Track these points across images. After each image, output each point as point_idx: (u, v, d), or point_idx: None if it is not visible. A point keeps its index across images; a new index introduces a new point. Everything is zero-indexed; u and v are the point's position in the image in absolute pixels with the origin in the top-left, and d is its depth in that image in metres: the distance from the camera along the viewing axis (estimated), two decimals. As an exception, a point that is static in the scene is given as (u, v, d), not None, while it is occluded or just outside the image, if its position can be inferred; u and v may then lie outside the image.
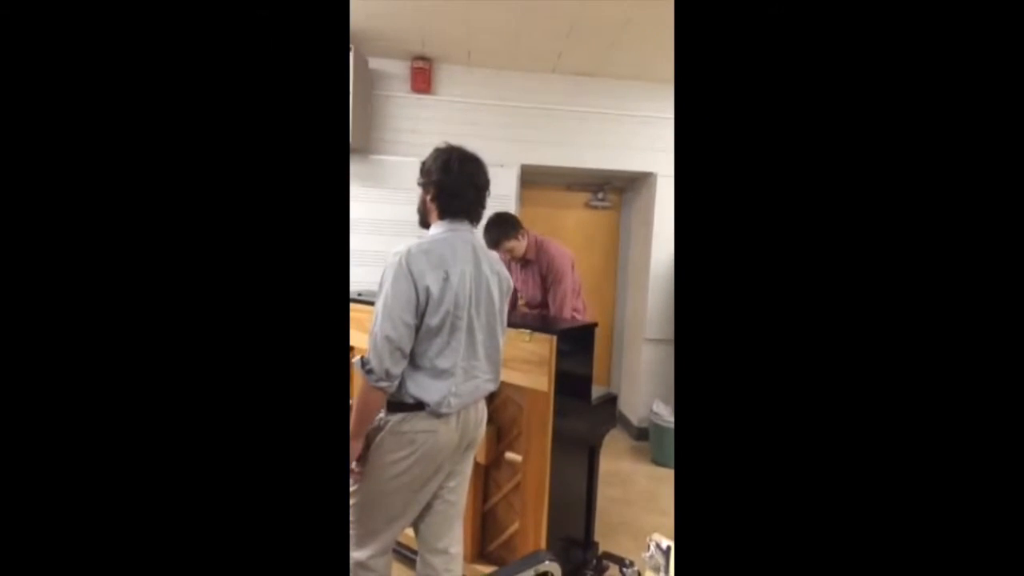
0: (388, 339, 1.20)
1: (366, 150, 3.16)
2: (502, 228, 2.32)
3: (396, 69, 3.19)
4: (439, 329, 1.26)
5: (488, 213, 1.52)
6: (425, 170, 1.38)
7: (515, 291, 2.55)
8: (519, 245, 2.37)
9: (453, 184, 1.32)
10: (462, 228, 1.36)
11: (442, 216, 1.36)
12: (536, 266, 2.45)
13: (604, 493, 2.67)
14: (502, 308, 1.44)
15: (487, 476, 1.97)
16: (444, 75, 3.24)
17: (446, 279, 1.25)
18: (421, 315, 1.24)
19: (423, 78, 3.17)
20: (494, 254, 1.46)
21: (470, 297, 1.31)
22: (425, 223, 1.41)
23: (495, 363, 1.43)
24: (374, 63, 3.14)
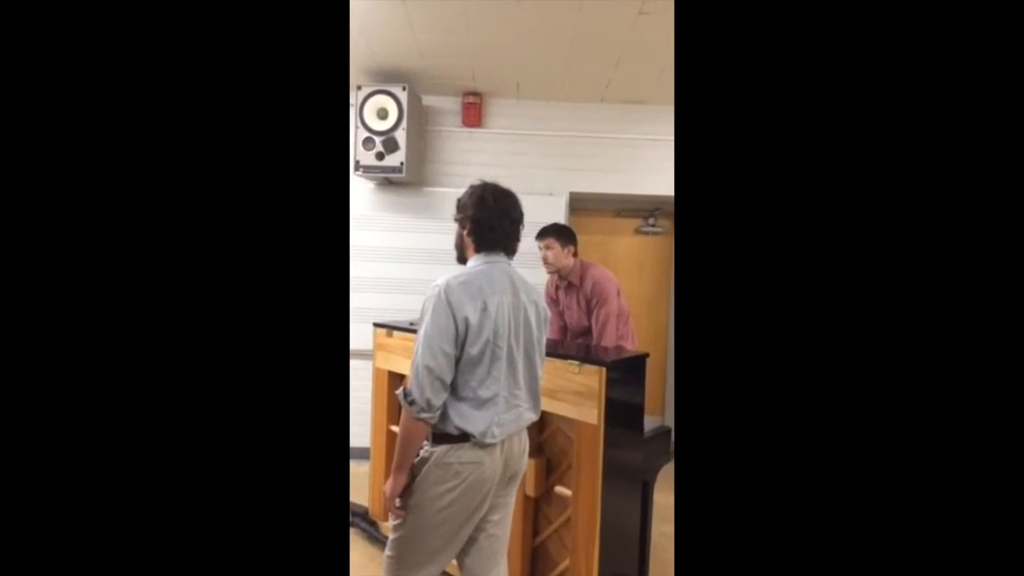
0: (429, 369, 1.23)
1: (420, 182, 3.27)
2: (554, 230, 2.42)
3: (448, 104, 3.31)
4: (480, 358, 1.28)
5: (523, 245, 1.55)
6: (461, 205, 1.43)
7: (564, 325, 2.55)
8: (560, 255, 2.40)
9: (488, 218, 1.36)
10: (499, 260, 1.39)
11: (478, 249, 1.40)
12: (580, 291, 2.44)
13: (659, 529, 2.57)
14: (540, 338, 1.45)
15: (537, 510, 1.94)
16: (494, 108, 3.33)
17: (484, 309, 1.28)
18: (461, 345, 1.27)
19: (474, 112, 3.27)
20: (533, 285, 1.48)
21: (509, 326, 1.33)
22: (462, 258, 1.45)
23: (534, 392, 1.44)
24: (427, 100, 3.27)
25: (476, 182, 1.43)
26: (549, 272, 2.49)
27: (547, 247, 2.41)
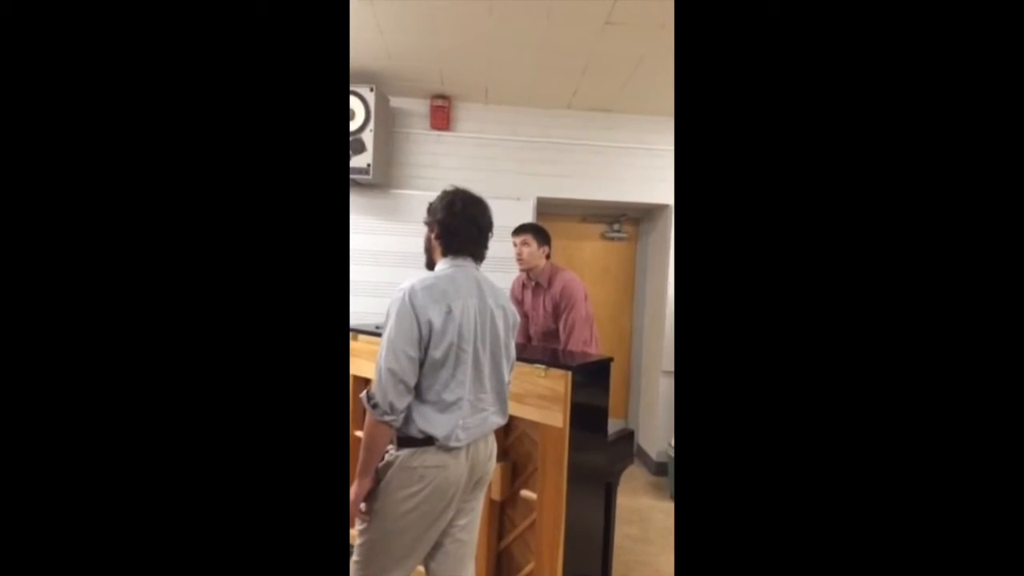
0: (391, 372, 1.24)
1: (387, 185, 3.24)
2: (533, 228, 2.46)
3: (416, 107, 3.29)
4: (443, 362, 1.28)
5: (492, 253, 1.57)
6: (431, 209, 1.45)
7: (526, 327, 2.56)
8: (535, 254, 2.42)
9: (456, 223, 1.39)
10: (466, 265, 1.41)
11: (445, 253, 1.41)
12: (548, 293, 2.47)
13: (622, 531, 2.62)
14: (507, 342, 1.46)
15: (502, 514, 1.95)
16: (462, 112, 3.33)
17: (448, 312, 1.29)
18: (424, 348, 1.27)
19: (442, 116, 3.26)
20: (500, 289, 1.50)
21: (475, 330, 1.34)
22: (431, 262, 1.47)
23: (501, 396, 1.45)
24: (395, 102, 3.24)
25: (449, 187, 1.45)
26: (521, 269, 2.51)
27: (523, 243, 2.43)
